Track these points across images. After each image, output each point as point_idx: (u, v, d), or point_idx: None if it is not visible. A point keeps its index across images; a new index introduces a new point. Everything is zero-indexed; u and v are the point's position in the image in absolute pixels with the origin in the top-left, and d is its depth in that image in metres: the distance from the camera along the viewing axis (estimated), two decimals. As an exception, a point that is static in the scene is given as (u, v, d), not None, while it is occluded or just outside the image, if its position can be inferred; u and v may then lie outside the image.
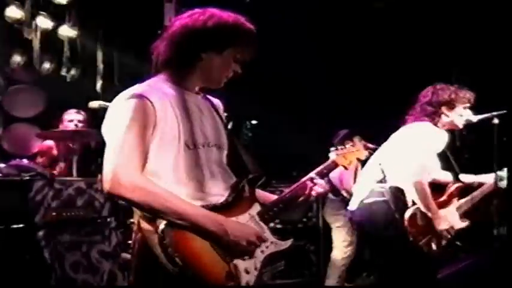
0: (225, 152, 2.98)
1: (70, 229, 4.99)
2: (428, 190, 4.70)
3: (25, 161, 6.12)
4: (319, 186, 3.07)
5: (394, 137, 5.01)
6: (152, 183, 2.61)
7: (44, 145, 6.60)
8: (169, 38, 2.84)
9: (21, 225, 4.84)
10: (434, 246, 4.67)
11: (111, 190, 2.55)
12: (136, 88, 2.75)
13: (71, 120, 6.48)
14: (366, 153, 3.64)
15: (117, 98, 2.74)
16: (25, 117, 7.79)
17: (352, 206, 5.06)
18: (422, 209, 4.66)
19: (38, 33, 7.68)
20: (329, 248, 7.50)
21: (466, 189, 5.08)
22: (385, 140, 4.99)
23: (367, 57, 8.72)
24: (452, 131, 5.08)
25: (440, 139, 4.84)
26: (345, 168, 3.48)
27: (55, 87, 7.95)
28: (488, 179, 5.09)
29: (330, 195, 7.47)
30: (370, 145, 6.53)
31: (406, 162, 4.70)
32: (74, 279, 4.88)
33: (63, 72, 8.00)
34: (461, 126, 4.95)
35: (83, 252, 5.00)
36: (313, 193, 3.06)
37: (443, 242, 4.72)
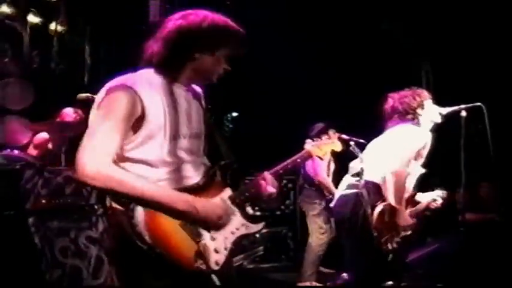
0: (204, 140, 3.08)
1: (59, 216, 5.02)
2: (405, 183, 4.88)
3: (16, 151, 6.23)
4: (272, 187, 3.13)
5: (379, 137, 5.17)
6: (118, 171, 2.67)
7: (39, 138, 6.62)
8: (164, 38, 2.89)
9: (12, 212, 4.90)
10: (390, 246, 4.81)
11: (77, 177, 2.62)
12: (125, 78, 2.81)
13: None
14: (340, 145, 3.70)
15: (105, 86, 2.81)
16: (15, 109, 7.91)
17: (334, 199, 5.25)
18: (392, 202, 4.78)
19: (28, 29, 7.85)
20: (305, 234, 7.66)
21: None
22: (360, 132, 5.15)
23: (341, 51, 8.87)
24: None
25: (423, 136, 4.97)
26: (320, 158, 3.61)
27: (44, 80, 8.11)
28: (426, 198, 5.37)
29: (305, 185, 7.64)
30: (344, 136, 6.74)
31: (388, 155, 4.84)
32: (63, 264, 4.92)
33: (52, 66, 8.18)
34: (439, 120, 5.09)
35: (71, 238, 5.04)
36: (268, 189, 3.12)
37: (398, 240, 4.86)
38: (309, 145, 3.52)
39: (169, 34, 2.88)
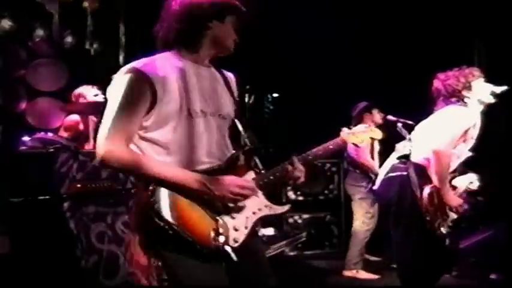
0: (229, 123, 3.13)
1: (95, 200, 5.03)
2: (449, 164, 4.73)
3: (50, 134, 6.15)
4: (298, 172, 3.11)
5: (427, 119, 5.04)
6: (132, 153, 2.83)
7: (69, 120, 6.50)
8: (172, 17, 2.97)
9: (47, 197, 4.88)
10: (444, 229, 4.70)
11: (97, 158, 2.78)
12: (138, 62, 2.87)
13: (97, 95, 6.32)
14: (380, 134, 3.59)
15: (119, 71, 2.87)
16: (48, 91, 7.80)
17: (377, 182, 5.15)
18: (436, 183, 4.68)
19: (58, 7, 7.74)
20: (350, 219, 7.55)
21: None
22: (405, 112, 4.96)
23: (388, 29, 8.68)
24: None
25: (471, 117, 4.80)
26: (356, 145, 3.54)
27: (78, 61, 8.00)
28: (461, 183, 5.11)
29: (350, 168, 7.54)
30: (391, 117, 6.54)
31: (433, 136, 4.73)
32: (100, 249, 4.95)
33: (86, 46, 8.07)
34: (490, 100, 4.90)
35: (108, 223, 5.06)
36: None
37: (450, 224, 4.72)
38: (344, 133, 3.44)
39: (176, 13, 2.98)
